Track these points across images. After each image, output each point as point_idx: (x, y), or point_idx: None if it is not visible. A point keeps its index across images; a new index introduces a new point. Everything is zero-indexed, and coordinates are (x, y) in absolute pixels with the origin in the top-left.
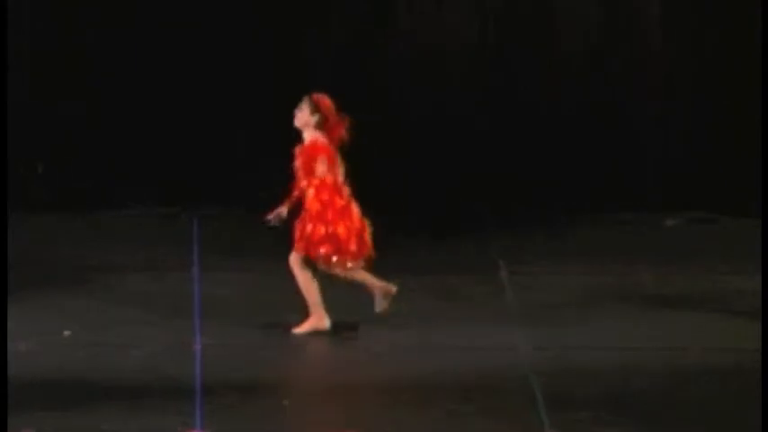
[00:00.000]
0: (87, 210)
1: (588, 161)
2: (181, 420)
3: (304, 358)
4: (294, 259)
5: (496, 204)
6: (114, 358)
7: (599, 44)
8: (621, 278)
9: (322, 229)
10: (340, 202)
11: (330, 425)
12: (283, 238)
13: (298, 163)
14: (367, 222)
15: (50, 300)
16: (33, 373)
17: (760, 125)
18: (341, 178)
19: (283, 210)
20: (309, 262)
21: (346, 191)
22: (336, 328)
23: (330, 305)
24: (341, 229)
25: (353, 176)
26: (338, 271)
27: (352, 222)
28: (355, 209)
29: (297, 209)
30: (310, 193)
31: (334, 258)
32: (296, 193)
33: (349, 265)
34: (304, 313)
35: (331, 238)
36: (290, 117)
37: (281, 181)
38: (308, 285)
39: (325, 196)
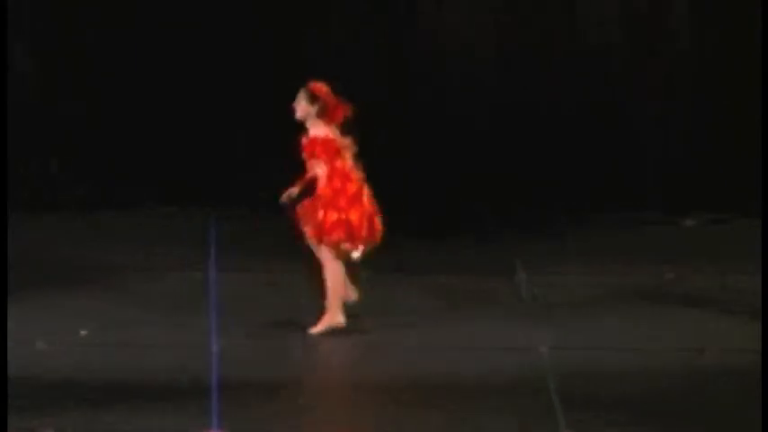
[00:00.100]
0: (96, 210)
1: (588, 161)
2: (198, 420)
3: (320, 358)
4: (324, 251)
5: (496, 204)
6: (132, 358)
7: (599, 44)
8: (637, 278)
9: (334, 216)
10: (352, 188)
11: (347, 425)
12: (290, 236)
13: (304, 155)
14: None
15: (67, 299)
16: (51, 372)
17: (760, 125)
18: (350, 162)
19: (294, 190)
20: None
21: (358, 174)
22: (353, 327)
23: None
24: (353, 216)
25: None
26: (345, 257)
27: (364, 207)
28: (367, 192)
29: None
30: (322, 179)
31: (346, 245)
32: (309, 176)
33: (360, 250)
34: (320, 312)
35: (343, 225)
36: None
37: (281, 181)
38: (336, 276)
39: (337, 183)
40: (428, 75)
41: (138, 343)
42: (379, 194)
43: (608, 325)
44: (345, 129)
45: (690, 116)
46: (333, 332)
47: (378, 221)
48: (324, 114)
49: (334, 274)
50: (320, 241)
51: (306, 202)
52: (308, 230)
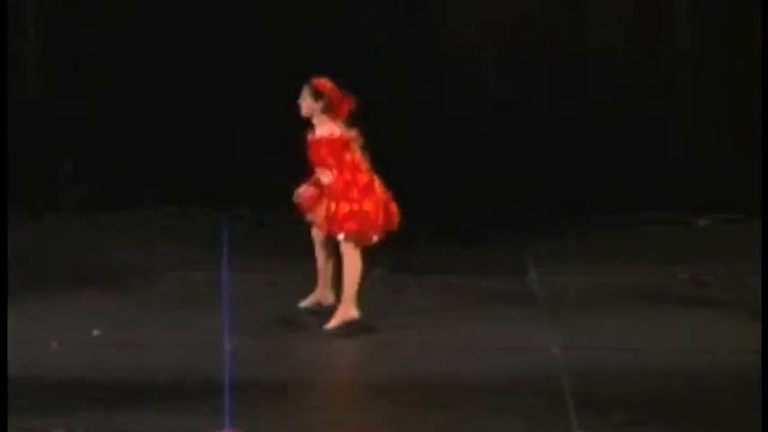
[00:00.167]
0: (101, 210)
1: (588, 161)
2: (211, 420)
3: (333, 357)
4: (345, 243)
5: (496, 204)
6: (143, 358)
7: (599, 44)
8: (653, 279)
9: (346, 207)
10: (363, 179)
11: (359, 425)
12: (290, 235)
13: (310, 155)
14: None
15: (78, 299)
16: (64, 372)
17: (760, 125)
18: (359, 153)
19: (309, 187)
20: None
21: (367, 165)
22: (363, 326)
23: (362, 301)
24: (367, 206)
25: None
26: (360, 246)
27: (377, 195)
28: (377, 181)
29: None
30: (333, 173)
31: (360, 234)
32: (315, 178)
33: (375, 238)
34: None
35: (356, 215)
36: (291, 117)
37: (281, 180)
38: (354, 268)
39: (347, 176)
40: (428, 75)
41: (150, 343)
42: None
43: (620, 325)
44: (351, 121)
45: (690, 116)
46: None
47: (393, 207)
48: (329, 110)
49: (352, 266)
50: (331, 233)
51: (312, 191)
52: (317, 221)
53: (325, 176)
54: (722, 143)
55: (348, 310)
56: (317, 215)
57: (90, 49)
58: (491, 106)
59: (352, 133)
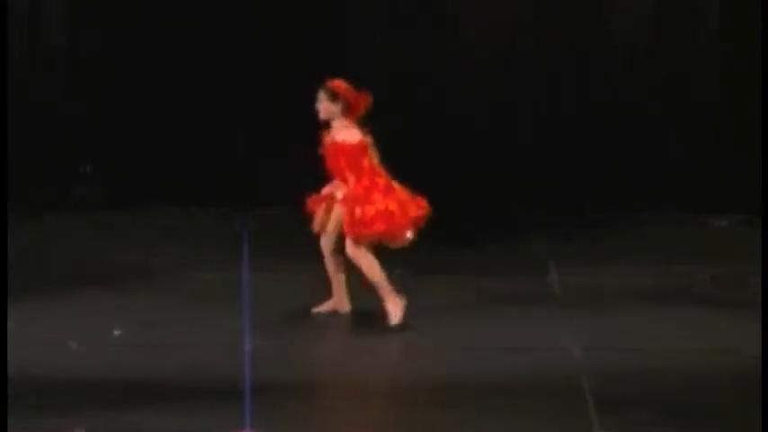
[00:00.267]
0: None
1: (588, 161)
2: (229, 421)
3: (354, 357)
4: (351, 247)
5: (496, 204)
6: (162, 358)
7: (599, 44)
8: (670, 279)
9: (371, 209)
10: (381, 182)
11: (378, 425)
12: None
13: (328, 161)
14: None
15: (97, 299)
16: (84, 372)
17: (760, 125)
18: (376, 159)
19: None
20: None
21: (383, 172)
22: (383, 327)
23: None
24: (391, 205)
25: None
26: (396, 244)
27: (398, 194)
28: (394, 182)
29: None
30: (351, 180)
31: (392, 233)
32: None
33: (408, 235)
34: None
35: (383, 215)
36: (290, 117)
37: (282, 180)
38: (374, 272)
39: (366, 182)
40: (428, 75)
41: (168, 343)
42: None
43: (640, 325)
44: (363, 120)
45: (690, 116)
46: (361, 331)
47: (419, 199)
48: (348, 111)
49: (368, 267)
50: (361, 235)
51: (322, 197)
52: (346, 228)
53: (341, 191)
54: (722, 143)
55: (395, 301)
56: (322, 221)
57: (90, 48)
58: (491, 106)
59: (369, 137)
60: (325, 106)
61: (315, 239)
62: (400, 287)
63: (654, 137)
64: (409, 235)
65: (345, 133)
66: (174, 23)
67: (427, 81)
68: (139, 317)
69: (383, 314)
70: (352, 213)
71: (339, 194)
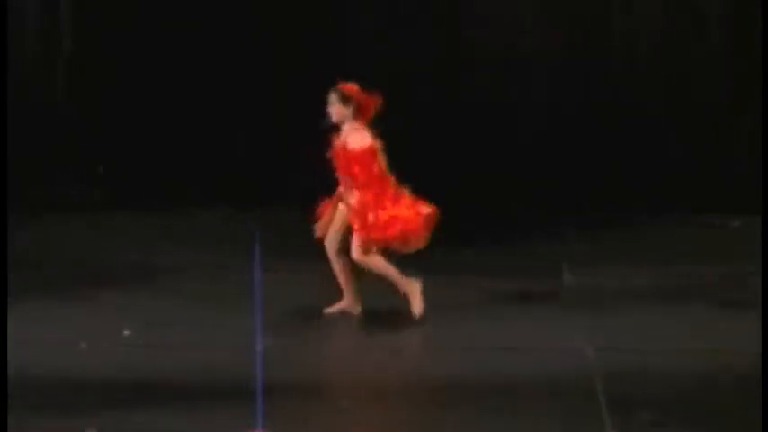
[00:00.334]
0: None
1: (588, 161)
2: (242, 421)
3: (364, 359)
4: (357, 252)
5: (496, 204)
6: (172, 358)
7: (599, 44)
8: (670, 279)
9: (384, 214)
10: (390, 188)
11: (388, 426)
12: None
13: (338, 165)
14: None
15: (107, 299)
16: (94, 372)
17: (760, 125)
18: (384, 162)
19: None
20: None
21: (391, 177)
22: (390, 327)
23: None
24: (403, 211)
25: None
26: (408, 249)
27: (407, 199)
28: (403, 188)
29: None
30: (361, 187)
31: (405, 238)
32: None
33: (422, 239)
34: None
35: (396, 220)
36: (290, 117)
37: (282, 180)
38: (383, 267)
39: (377, 188)
40: (428, 75)
41: (178, 343)
42: None
43: (640, 325)
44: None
45: (689, 116)
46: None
47: (425, 203)
48: (359, 114)
49: (378, 266)
50: (369, 241)
51: (329, 202)
52: (356, 233)
53: (352, 196)
54: (722, 143)
55: (414, 290)
56: (324, 225)
57: (89, 48)
58: (491, 106)
59: (378, 142)
60: (336, 109)
61: (314, 240)
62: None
63: (654, 137)
64: (421, 243)
65: (356, 137)
66: (174, 23)
67: (427, 81)
68: (141, 317)
69: (397, 311)
70: (364, 219)
71: (352, 201)
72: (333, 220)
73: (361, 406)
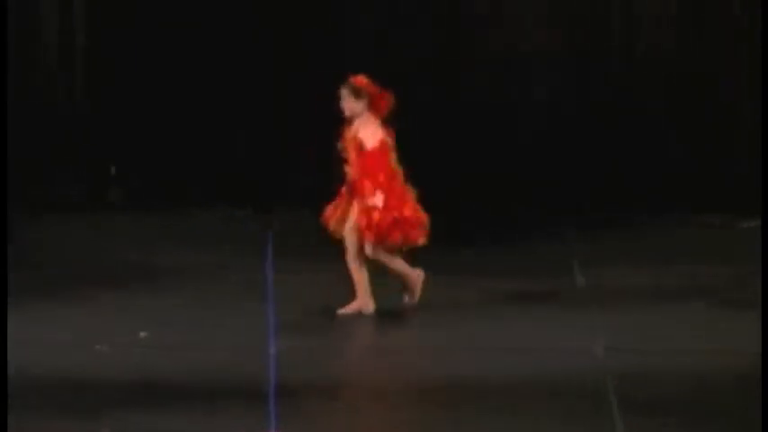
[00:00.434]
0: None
1: (588, 161)
2: (256, 423)
3: (380, 360)
4: (369, 248)
5: (496, 204)
6: (190, 360)
7: (600, 44)
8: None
9: (389, 216)
10: (398, 186)
11: (403, 427)
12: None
13: (348, 156)
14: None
15: (122, 301)
16: (110, 374)
17: (760, 125)
18: (394, 158)
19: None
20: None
21: (401, 173)
22: (401, 326)
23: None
24: (407, 212)
25: None
26: (407, 246)
27: (411, 200)
28: (408, 187)
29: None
30: (369, 182)
31: (408, 239)
32: (350, 178)
33: (421, 241)
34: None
35: (399, 224)
36: (290, 117)
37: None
38: (391, 260)
39: (384, 185)
40: (428, 75)
41: (178, 343)
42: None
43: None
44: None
45: (690, 116)
46: (384, 333)
47: (421, 211)
48: (371, 107)
49: (389, 263)
50: (379, 240)
51: (340, 201)
52: (364, 232)
53: (377, 200)
54: (722, 143)
55: (418, 280)
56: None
57: (89, 49)
58: (491, 106)
59: (390, 138)
60: (348, 104)
61: (314, 240)
62: (400, 287)
63: (654, 137)
64: (421, 240)
65: (367, 131)
66: (174, 23)
67: (427, 81)
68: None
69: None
70: (369, 218)
71: (372, 202)
72: (348, 217)
73: (360, 406)
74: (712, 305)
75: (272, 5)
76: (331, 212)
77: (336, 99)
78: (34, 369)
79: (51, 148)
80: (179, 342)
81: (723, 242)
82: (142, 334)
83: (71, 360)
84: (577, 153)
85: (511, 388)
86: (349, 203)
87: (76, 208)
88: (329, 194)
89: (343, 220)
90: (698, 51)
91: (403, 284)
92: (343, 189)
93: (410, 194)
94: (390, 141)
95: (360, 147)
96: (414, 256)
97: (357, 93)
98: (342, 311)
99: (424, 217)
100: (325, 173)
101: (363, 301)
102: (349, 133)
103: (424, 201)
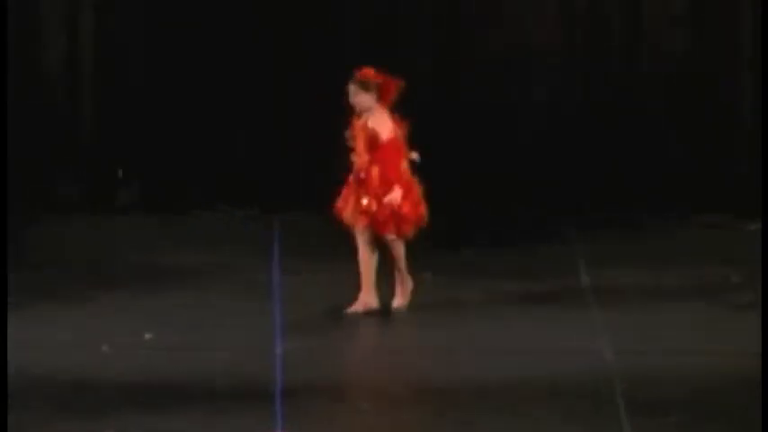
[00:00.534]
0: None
1: (588, 161)
2: (262, 424)
3: (384, 361)
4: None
5: (496, 204)
6: (195, 361)
7: (599, 44)
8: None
9: (387, 210)
10: (404, 179)
11: (405, 428)
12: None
13: (356, 145)
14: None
15: (123, 301)
16: (115, 375)
17: (760, 125)
18: (405, 149)
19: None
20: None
21: (407, 168)
22: (406, 327)
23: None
24: (406, 207)
25: None
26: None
27: (414, 196)
28: (414, 180)
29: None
30: (375, 171)
31: (398, 234)
32: (357, 166)
33: (409, 235)
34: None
35: (395, 218)
36: (291, 117)
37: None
38: (403, 263)
39: (391, 175)
40: (428, 75)
41: (199, 346)
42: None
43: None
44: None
45: (689, 116)
46: (384, 333)
47: (423, 207)
48: (381, 97)
49: (398, 254)
50: (373, 229)
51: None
52: (354, 217)
53: (398, 194)
54: (722, 143)
55: (410, 285)
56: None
57: (89, 49)
58: (491, 106)
59: (400, 128)
60: (359, 99)
61: (314, 240)
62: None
63: (654, 137)
64: (410, 235)
65: (380, 122)
66: (174, 23)
67: (427, 81)
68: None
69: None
70: (369, 206)
71: (393, 198)
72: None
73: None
74: (713, 305)
75: (272, 5)
76: (342, 204)
77: (340, 95)
78: (34, 369)
79: (51, 148)
80: (179, 342)
81: (723, 242)
82: (147, 335)
83: (71, 360)
84: (577, 153)
85: (511, 388)
86: (357, 193)
87: (77, 208)
88: (329, 195)
89: (355, 210)
90: (698, 51)
91: (398, 287)
92: (350, 178)
93: (415, 188)
94: (401, 132)
95: (373, 137)
96: (413, 255)
97: (366, 86)
98: (350, 310)
99: (422, 213)
100: (325, 173)
101: (369, 297)
102: (358, 122)
103: (425, 201)
